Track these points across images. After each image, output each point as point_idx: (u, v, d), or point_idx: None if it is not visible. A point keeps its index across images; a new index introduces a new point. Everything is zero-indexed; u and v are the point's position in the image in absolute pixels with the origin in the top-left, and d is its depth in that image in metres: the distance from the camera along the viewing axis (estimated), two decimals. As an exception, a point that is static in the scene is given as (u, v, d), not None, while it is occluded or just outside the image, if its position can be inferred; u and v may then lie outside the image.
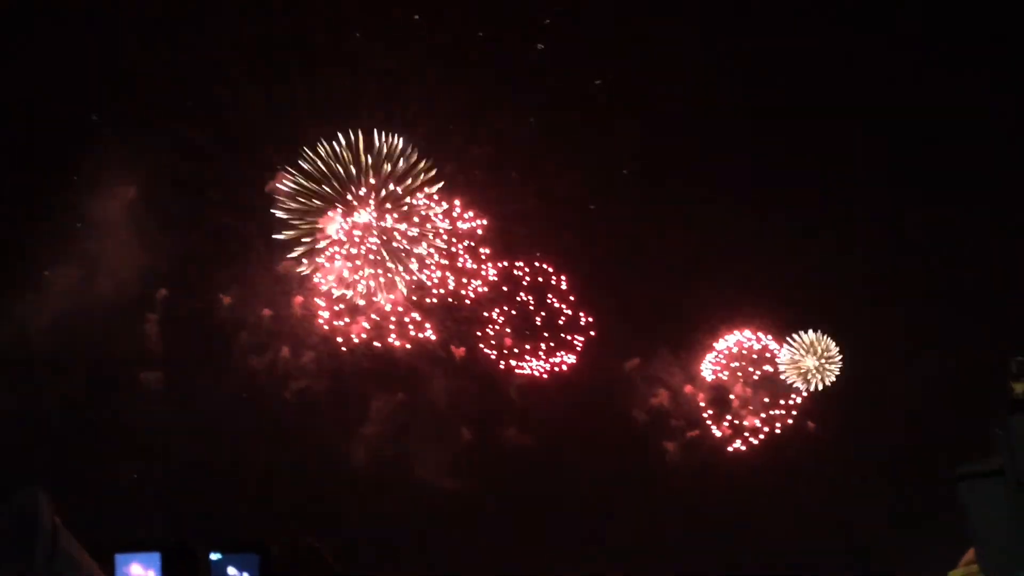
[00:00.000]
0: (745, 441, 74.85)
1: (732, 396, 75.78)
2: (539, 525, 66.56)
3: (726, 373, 75.95)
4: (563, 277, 71.28)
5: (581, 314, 71.58)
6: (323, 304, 66.21)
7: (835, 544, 66.53)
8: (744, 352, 75.79)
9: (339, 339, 66.27)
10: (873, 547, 65.77)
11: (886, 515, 67.80)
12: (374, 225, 66.38)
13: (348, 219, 67.10)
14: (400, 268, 67.84)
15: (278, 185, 65.35)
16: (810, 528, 67.49)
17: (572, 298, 71.48)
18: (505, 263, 70.21)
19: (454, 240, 68.89)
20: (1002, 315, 65.99)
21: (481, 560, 61.86)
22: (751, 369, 75.83)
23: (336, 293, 65.43)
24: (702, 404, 74.98)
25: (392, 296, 67.51)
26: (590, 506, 67.84)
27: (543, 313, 71.42)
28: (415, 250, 68.03)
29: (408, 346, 67.54)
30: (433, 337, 68.49)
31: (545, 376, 70.57)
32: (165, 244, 61.31)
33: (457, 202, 68.40)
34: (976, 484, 54.19)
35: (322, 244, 65.23)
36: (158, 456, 55.67)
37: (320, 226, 65.92)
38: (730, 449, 74.73)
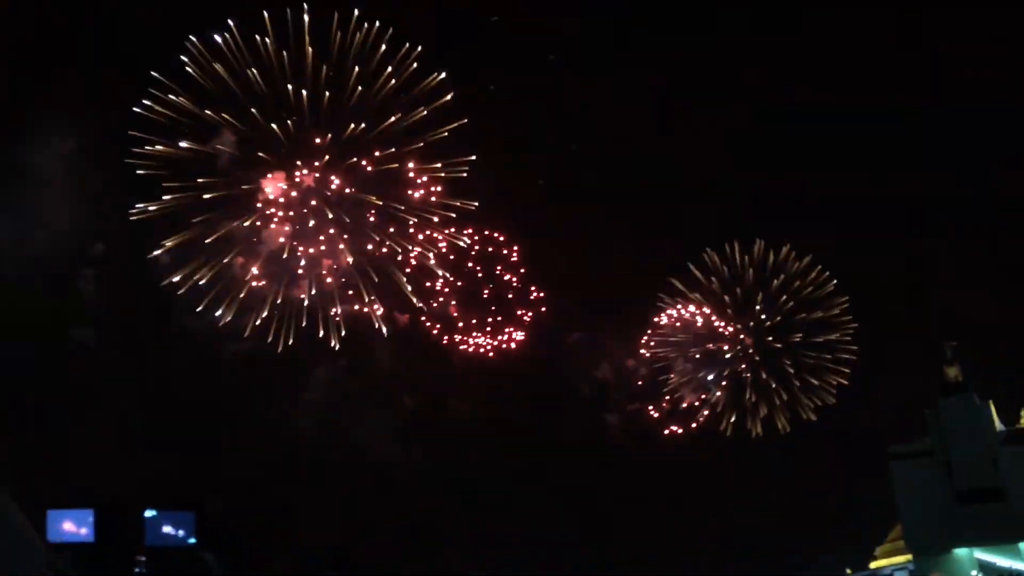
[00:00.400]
0: (682, 422, 73.41)
1: (672, 375, 73.92)
2: (474, 494, 67.13)
3: (665, 349, 74.32)
4: (515, 248, 70.35)
5: (532, 288, 70.91)
6: (256, 272, 63.79)
7: (768, 521, 67.91)
8: (685, 326, 74.86)
9: (264, 313, 64.02)
10: (802, 524, 67.29)
11: (817, 491, 69.33)
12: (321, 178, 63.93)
13: (295, 176, 64.28)
14: (345, 235, 66.22)
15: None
16: (744, 507, 68.91)
17: (523, 270, 70.74)
18: (452, 229, 68.51)
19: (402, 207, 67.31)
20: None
21: (419, 526, 62.40)
22: (693, 347, 74.11)
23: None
24: (640, 383, 74.05)
25: (335, 266, 65.51)
26: (529, 476, 68.34)
27: (492, 285, 70.37)
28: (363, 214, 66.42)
29: (339, 313, 65.64)
30: (380, 309, 67.13)
31: (491, 354, 69.80)
32: (104, 201, 59.80)
33: (411, 164, 65.88)
34: (905, 464, 55.67)
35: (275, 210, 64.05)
36: (93, 413, 54.77)
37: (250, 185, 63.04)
38: (666, 432, 73.03)
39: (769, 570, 65.44)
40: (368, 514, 61.93)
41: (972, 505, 54.78)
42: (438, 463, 66.41)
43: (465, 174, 64.32)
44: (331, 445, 63.07)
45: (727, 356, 72.03)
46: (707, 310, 72.94)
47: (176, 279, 61.72)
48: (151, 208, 59.09)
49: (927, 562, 58.22)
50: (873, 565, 64.04)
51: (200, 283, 62.40)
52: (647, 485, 68.61)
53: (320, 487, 60.78)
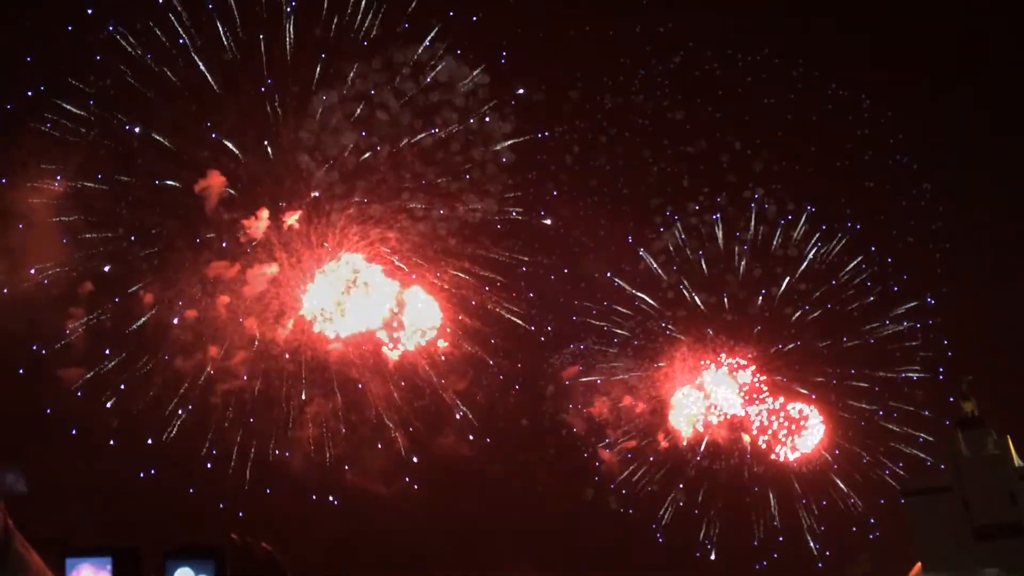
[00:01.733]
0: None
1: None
2: (473, 531, 68.02)
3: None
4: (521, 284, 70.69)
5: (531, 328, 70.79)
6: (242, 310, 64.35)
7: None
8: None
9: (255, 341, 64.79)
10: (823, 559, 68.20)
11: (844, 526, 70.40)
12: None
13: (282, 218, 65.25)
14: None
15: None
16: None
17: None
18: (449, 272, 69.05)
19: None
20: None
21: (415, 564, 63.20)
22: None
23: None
24: (640, 414, 74.22)
25: (317, 316, 65.65)
26: (526, 513, 69.21)
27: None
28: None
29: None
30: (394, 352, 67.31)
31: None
32: (93, 241, 60.78)
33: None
34: (924, 500, 56.92)
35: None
36: (94, 458, 55.57)
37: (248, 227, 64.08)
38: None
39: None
40: (362, 547, 62.74)
41: (991, 541, 55.83)
42: (428, 499, 67.22)
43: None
44: (327, 485, 64.00)
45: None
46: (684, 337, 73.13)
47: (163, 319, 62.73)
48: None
49: (948, 600, 59.28)
50: (893, 604, 64.95)
51: (190, 321, 63.52)
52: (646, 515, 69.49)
53: (317, 528, 61.57)
